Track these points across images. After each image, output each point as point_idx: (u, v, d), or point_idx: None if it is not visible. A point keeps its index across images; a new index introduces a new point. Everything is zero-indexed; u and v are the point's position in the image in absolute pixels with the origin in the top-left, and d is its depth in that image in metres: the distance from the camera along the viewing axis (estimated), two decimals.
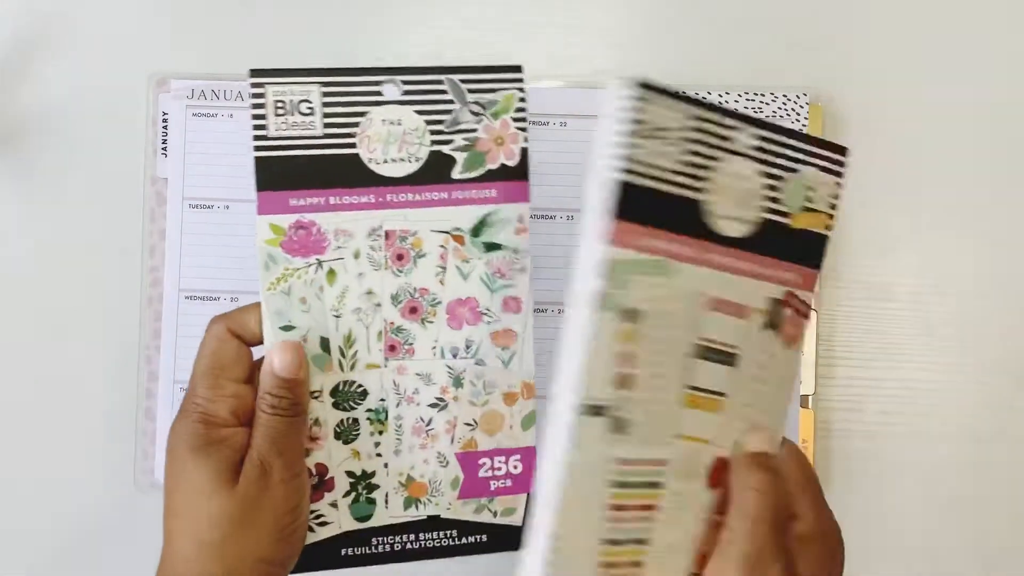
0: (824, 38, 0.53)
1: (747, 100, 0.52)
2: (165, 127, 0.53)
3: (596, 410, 0.32)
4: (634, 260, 0.32)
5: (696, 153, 0.33)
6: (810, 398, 0.51)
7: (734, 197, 0.34)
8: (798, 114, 0.51)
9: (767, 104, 0.52)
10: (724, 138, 0.34)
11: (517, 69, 0.40)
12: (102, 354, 0.53)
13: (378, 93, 0.39)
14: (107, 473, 0.53)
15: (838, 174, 0.36)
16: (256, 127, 0.38)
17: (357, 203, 0.39)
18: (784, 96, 0.52)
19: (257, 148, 0.38)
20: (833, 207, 0.36)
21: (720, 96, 0.52)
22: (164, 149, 0.53)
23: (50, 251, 0.54)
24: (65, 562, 0.53)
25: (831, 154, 0.36)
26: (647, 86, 0.32)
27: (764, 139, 0.34)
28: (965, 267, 0.52)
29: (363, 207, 0.39)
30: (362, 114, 0.38)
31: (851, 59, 0.53)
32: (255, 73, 0.38)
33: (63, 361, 0.53)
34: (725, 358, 0.35)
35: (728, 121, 0.34)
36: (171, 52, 0.54)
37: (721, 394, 0.35)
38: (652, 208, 0.32)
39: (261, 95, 0.38)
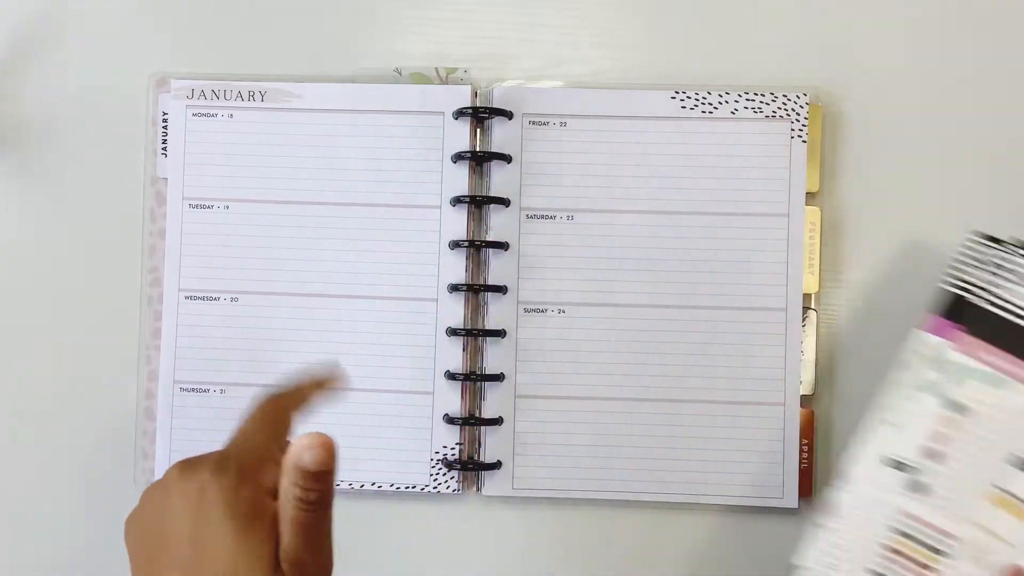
0: (824, 38, 0.53)
1: (747, 100, 0.52)
2: (165, 127, 0.53)
3: (899, 465, 0.41)
4: (971, 367, 0.41)
5: None
6: (810, 398, 0.52)
7: None
8: (798, 114, 0.51)
9: (767, 104, 0.51)
10: None
11: None
12: (102, 354, 0.53)
13: None
14: (107, 473, 0.53)
15: None
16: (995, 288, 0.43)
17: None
18: (784, 96, 0.52)
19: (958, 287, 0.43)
20: None
21: (720, 96, 0.52)
22: (164, 149, 0.53)
23: (50, 251, 0.54)
24: (65, 562, 0.53)
25: None
26: (1000, 241, 0.43)
27: None
28: None
29: None
30: None
31: (851, 59, 0.53)
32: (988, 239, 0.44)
33: (63, 360, 0.53)
34: None
35: None
36: (171, 52, 0.54)
37: None
38: (997, 330, 0.41)
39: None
